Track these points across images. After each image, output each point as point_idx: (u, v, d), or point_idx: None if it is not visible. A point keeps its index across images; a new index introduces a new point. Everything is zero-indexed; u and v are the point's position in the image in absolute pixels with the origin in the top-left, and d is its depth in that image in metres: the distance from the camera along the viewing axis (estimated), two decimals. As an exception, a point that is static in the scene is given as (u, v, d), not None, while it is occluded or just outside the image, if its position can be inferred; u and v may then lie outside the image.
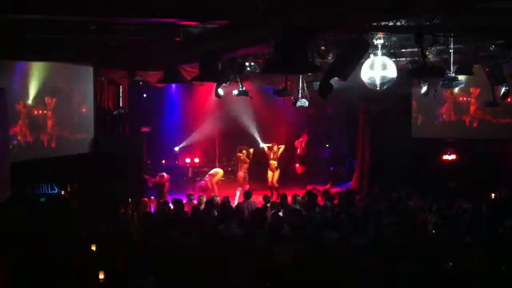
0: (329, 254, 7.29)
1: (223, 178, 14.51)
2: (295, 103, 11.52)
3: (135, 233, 8.60)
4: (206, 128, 16.60)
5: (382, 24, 7.95)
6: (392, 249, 7.43)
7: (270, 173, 14.12)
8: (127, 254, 7.32)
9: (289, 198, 10.66)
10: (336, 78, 7.75)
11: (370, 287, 6.51)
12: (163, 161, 16.01)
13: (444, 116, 13.73)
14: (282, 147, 14.31)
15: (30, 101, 9.95)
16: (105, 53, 10.27)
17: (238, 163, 14.01)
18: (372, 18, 6.63)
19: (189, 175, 16.26)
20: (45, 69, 10.35)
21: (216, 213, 9.75)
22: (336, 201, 10.94)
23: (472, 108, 13.26)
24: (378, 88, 8.82)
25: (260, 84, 13.64)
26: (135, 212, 9.88)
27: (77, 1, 6.75)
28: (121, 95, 12.44)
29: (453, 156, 13.94)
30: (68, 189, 11.09)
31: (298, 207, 10.04)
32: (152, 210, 10.73)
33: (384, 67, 8.73)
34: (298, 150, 15.35)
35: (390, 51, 9.36)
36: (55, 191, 10.64)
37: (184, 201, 10.51)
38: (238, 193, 13.26)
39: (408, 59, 9.93)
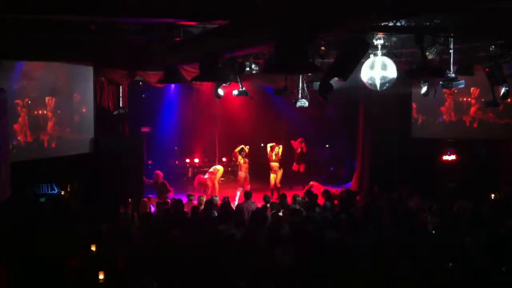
0: (329, 254, 7.29)
1: (223, 178, 14.50)
2: (295, 103, 11.52)
3: (135, 233, 8.60)
4: (206, 128, 16.62)
5: (382, 24, 7.95)
6: (392, 249, 7.43)
7: (273, 175, 14.09)
8: (127, 254, 7.32)
9: (289, 199, 10.67)
10: (336, 78, 7.74)
11: (370, 287, 6.51)
12: (149, 162, 15.89)
13: (444, 117, 13.74)
14: (281, 147, 14.32)
15: (30, 101, 9.94)
16: (105, 53, 10.27)
17: (237, 161, 13.91)
18: (372, 18, 6.63)
19: (189, 175, 16.26)
20: (45, 69, 10.35)
21: (216, 214, 9.75)
22: (336, 201, 10.94)
23: (472, 108, 13.27)
24: (378, 88, 8.83)
25: (260, 84, 13.65)
26: (135, 212, 9.88)
27: (77, 1, 6.75)
28: (121, 95, 12.45)
29: (453, 157, 13.95)
30: (68, 189, 11.09)
31: (298, 207, 10.04)
32: (153, 210, 10.73)
33: (384, 67, 8.73)
34: (297, 150, 15.33)
35: (390, 51, 9.36)
36: (55, 191, 10.63)
37: (184, 201, 10.52)
38: (238, 193, 13.26)
39: (408, 59, 9.94)
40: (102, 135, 11.87)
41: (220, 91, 11.75)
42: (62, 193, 10.87)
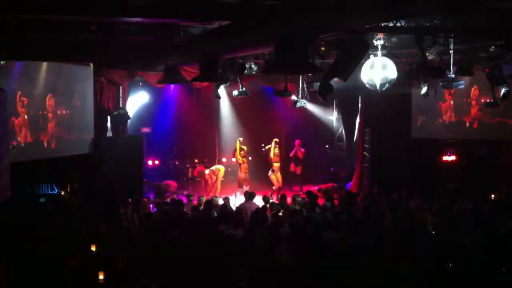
0: (329, 254, 7.29)
1: (223, 178, 14.52)
2: (295, 103, 11.52)
3: (135, 233, 8.60)
4: (206, 128, 16.62)
5: (382, 24, 7.95)
6: (392, 249, 7.43)
7: (274, 177, 14.06)
8: (127, 254, 7.31)
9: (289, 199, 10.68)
10: (336, 78, 7.75)
11: (370, 287, 6.51)
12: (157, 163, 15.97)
13: (444, 117, 13.75)
14: (273, 144, 14.18)
15: (30, 101, 9.94)
16: (105, 53, 10.27)
17: (236, 157, 13.86)
18: (373, 19, 6.63)
19: (189, 175, 16.27)
20: (45, 69, 10.35)
21: (215, 214, 9.75)
22: (336, 202, 10.95)
23: (472, 109, 13.27)
24: (378, 89, 8.83)
25: (260, 84, 13.66)
26: (135, 212, 9.87)
27: (77, 1, 6.76)
28: (121, 95, 12.45)
29: (453, 157, 13.95)
30: (68, 189, 11.09)
31: (298, 207, 10.05)
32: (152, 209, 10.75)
33: (384, 67, 8.73)
34: (297, 152, 15.33)
35: (390, 52, 9.37)
36: (55, 191, 10.63)
37: (184, 201, 10.52)
38: (238, 193, 13.27)
39: (408, 59, 9.94)
40: (102, 135, 11.87)
41: (220, 91, 11.77)
42: (62, 193, 10.86)
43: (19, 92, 9.66)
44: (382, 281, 6.51)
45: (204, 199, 10.86)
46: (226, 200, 10.76)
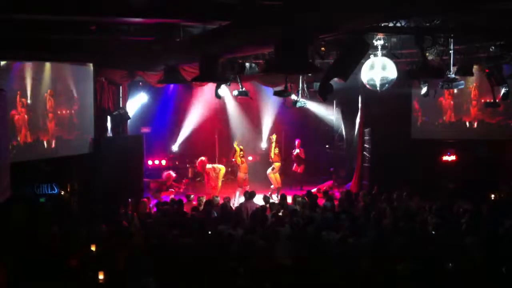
0: (329, 254, 7.29)
1: (223, 178, 14.53)
2: (295, 103, 11.53)
3: (135, 233, 8.60)
4: (206, 128, 16.61)
5: (382, 25, 7.96)
6: (392, 249, 7.43)
7: (272, 175, 14.09)
8: (127, 254, 7.31)
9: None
10: (336, 78, 7.75)
11: (370, 287, 6.51)
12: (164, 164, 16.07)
13: (444, 117, 13.76)
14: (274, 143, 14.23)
15: (30, 101, 9.94)
16: (105, 53, 10.27)
17: (236, 158, 13.91)
18: (373, 19, 6.63)
19: (189, 175, 16.27)
20: (45, 69, 10.35)
21: (215, 214, 9.75)
22: (336, 201, 10.95)
23: (472, 109, 13.28)
24: (378, 89, 8.83)
25: (260, 84, 13.66)
26: (135, 212, 9.88)
27: (77, 1, 6.76)
28: (121, 95, 12.45)
29: (453, 157, 13.96)
30: (68, 189, 11.08)
31: (298, 207, 10.04)
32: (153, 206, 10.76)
33: (384, 67, 8.74)
34: (296, 152, 15.32)
35: (390, 52, 9.37)
36: (55, 191, 10.62)
37: (183, 201, 10.51)
38: (237, 193, 13.27)
39: (408, 59, 9.94)
40: (102, 135, 11.87)
41: (220, 91, 11.77)
42: (62, 193, 10.86)
43: (19, 92, 9.65)
44: (382, 281, 6.51)
45: (204, 199, 10.87)
46: (227, 200, 10.76)
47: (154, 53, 9.96)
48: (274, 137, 14.25)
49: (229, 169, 15.79)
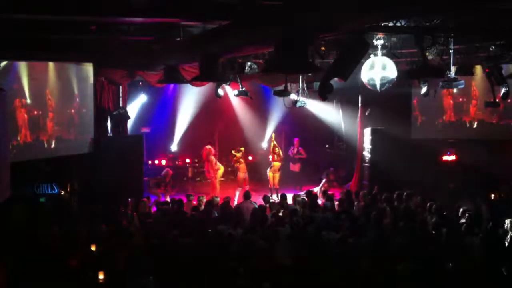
0: (329, 254, 7.29)
1: (223, 178, 14.52)
2: (295, 103, 11.52)
3: (135, 233, 8.60)
4: (206, 128, 16.61)
5: (382, 24, 7.95)
6: (392, 249, 7.43)
7: (270, 174, 14.11)
8: (127, 254, 7.31)
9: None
10: (336, 78, 7.75)
11: (370, 287, 6.51)
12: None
13: (444, 117, 13.75)
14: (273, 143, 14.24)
15: (30, 101, 9.94)
16: (105, 53, 10.27)
17: (234, 164, 13.99)
18: (373, 19, 6.63)
19: (189, 175, 16.27)
20: (45, 69, 10.35)
21: (216, 214, 9.75)
22: (336, 201, 10.94)
23: (472, 108, 13.28)
24: (378, 89, 8.83)
25: (260, 84, 13.65)
26: (135, 212, 9.88)
27: (77, 1, 6.76)
28: (121, 95, 12.44)
29: (453, 157, 13.96)
30: (68, 189, 11.09)
31: (298, 207, 10.04)
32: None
33: (384, 67, 8.73)
34: (295, 151, 15.32)
35: (390, 52, 9.36)
36: (55, 191, 10.62)
37: (184, 201, 10.50)
38: (237, 193, 13.28)
39: (408, 59, 9.94)
40: (102, 135, 11.86)
41: (220, 91, 11.77)
42: (62, 193, 10.86)
43: (19, 92, 9.66)
44: (382, 281, 6.51)
45: (204, 199, 10.87)
46: (227, 199, 10.76)
47: (154, 53, 9.97)
48: (273, 135, 14.28)
49: (229, 169, 15.80)
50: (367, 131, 14.21)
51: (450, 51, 9.01)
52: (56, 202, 10.36)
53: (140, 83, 13.42)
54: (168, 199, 12.22)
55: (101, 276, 6.76)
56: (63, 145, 10.83)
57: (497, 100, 10.51)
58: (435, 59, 9.37)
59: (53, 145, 10.57)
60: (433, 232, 8.56)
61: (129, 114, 12.66)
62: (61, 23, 8.00)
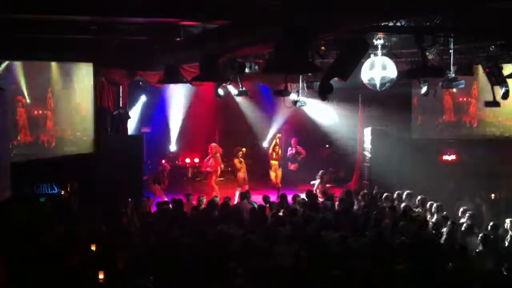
0: (329, 254, 7.29)
1: (222, 178, 14.51)
2: (295, 103, 11.52)
3: (135, 233, 8.60)
4: (206, 128, 16.61)
5: (382, 24, 7.95)
6: (392, 249, 7.43)
7: (273, 173, 14.12)
8: (127, 254, 7.31)
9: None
10: (336, 78, 7.75)
11: (370, 287, 6.51)
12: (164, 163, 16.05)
13: (444, 117, 13.74)
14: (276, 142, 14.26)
15: (30, 101, 9.94)
16: (105, 53, 10.27)
17: (236, 166, 14.00)
18: (373, 18, 6.63)
19: (189, 175, 16.26)
20: (45, 69, 10.35)
21: (216, 214, 9.75)
22: (336, 201, 10.94)
23: (472, 108, 13.27)
24: (378, 88, 8.83)
25: (260, 84, 13.65)
26: (134, 212, 9.87)
27: (77, 1, 6.76)
28: (121, 95, 12.43)
29: (453, 157, 13.95)
30: (68, 189, 11.08)
31: (298, 207, 10.04)
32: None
33: (384, 67, 8.74)
34: (294, 150, 15.31)
35: (390, 51, 9.36)
36: (55, 191, 10.63)
37: (183, 201, 10.50)
38: (237, 193, 13.27)
39: (408, 59, 9.93)
40: (102, 135, 11.86)
41: (220, 91, 11.77)
42: (62, 193, 10.86)
43: (19, 92, 9.65)
44: (382, 281, 6.51)
45: (204, 199, 10.85)
46: (227, 199, 10.76)
47: (154, 53, 9.96)
48: (277, 135, 14.28)
49: (229, 168, 15.80)
50: (367, 131, 14.21)
51: (450, 51, 9.01)
52: (56, 202, 10.35)
53: (140, 83, 13.41)
54: (165, 198, 12.20)
55: (101, 276, 6.76)
56: (63, 145, 10.82)
57: (496, 100, 10.51)
58: (435, 59, 9.37)
59: (53, 145, 10.56)
60: (433, 232, 8.56)
61: (129, 114, 12.65)
62: (61, 23, 8.00)
